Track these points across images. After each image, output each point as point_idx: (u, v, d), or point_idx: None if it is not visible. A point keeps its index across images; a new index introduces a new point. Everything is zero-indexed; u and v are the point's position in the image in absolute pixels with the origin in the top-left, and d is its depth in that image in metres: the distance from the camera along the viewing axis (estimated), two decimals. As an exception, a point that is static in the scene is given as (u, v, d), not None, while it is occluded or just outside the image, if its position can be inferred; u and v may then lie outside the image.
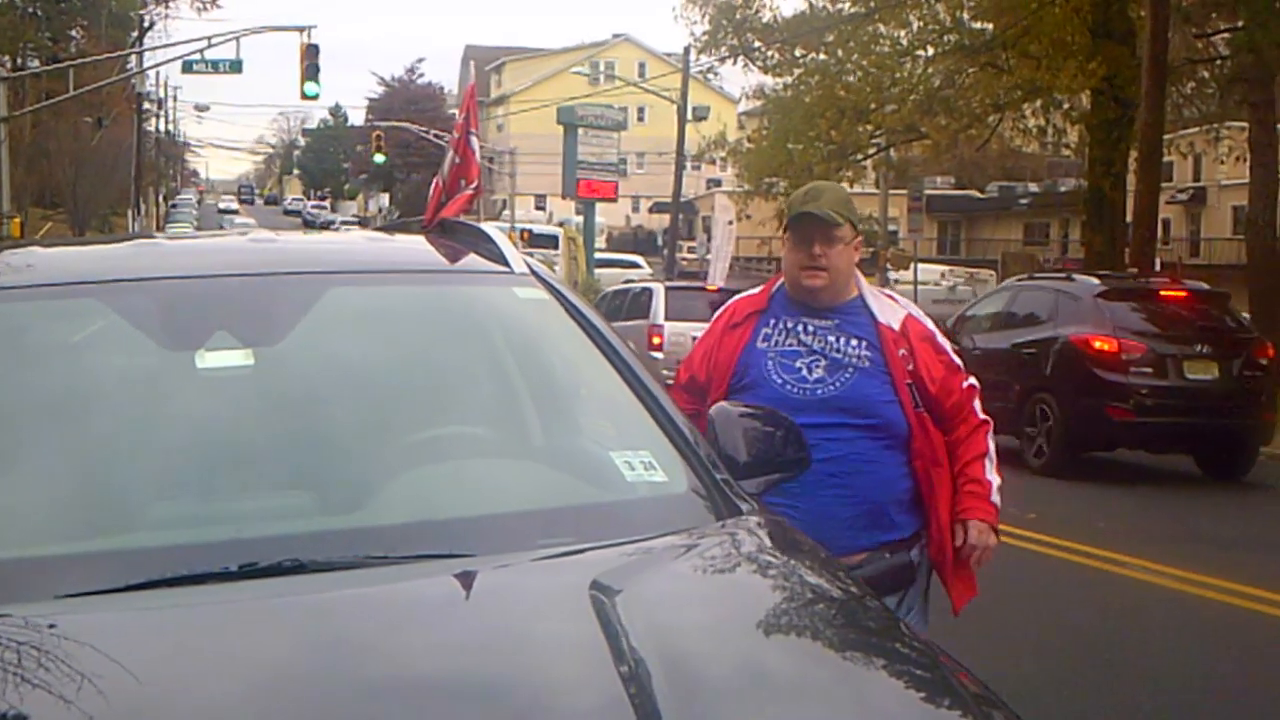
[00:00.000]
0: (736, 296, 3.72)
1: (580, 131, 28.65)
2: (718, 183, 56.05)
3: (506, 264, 2.92)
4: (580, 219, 36.16)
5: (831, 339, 3.44)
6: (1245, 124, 26.89)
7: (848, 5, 25.27)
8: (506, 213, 48.35)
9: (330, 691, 1.76)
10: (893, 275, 31.00)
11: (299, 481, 2.39)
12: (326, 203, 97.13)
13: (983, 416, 3.58)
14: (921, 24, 24.70)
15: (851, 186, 27.85)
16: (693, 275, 38.96)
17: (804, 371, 3.40)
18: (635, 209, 70.45)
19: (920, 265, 31.48)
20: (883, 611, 2.33)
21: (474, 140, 3.69)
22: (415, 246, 3.15)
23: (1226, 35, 26.49)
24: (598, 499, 2.46)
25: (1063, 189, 53.00)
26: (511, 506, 2.39)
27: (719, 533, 2.33)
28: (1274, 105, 25.41)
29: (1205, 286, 13.87)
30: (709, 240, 29.47)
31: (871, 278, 33.92)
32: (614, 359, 2.75)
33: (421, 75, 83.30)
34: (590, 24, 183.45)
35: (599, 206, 35.45)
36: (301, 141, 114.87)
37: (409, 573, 2.11)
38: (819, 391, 3.38)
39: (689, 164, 37.33)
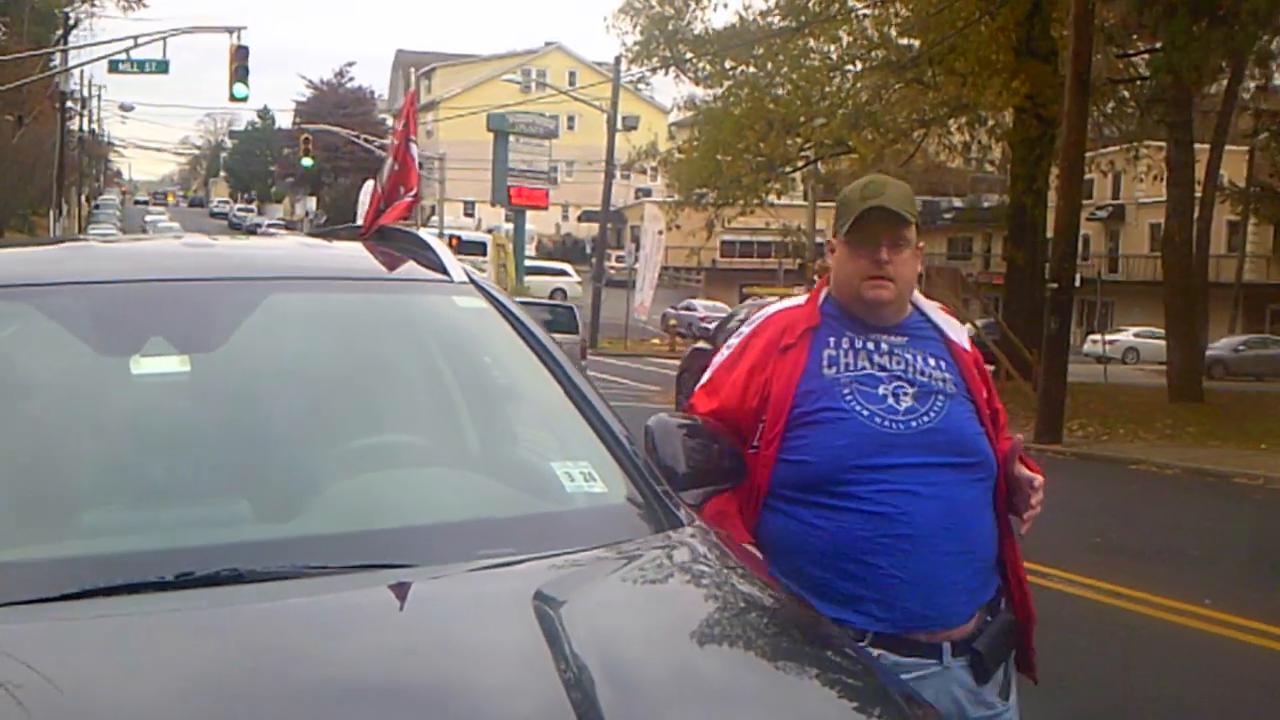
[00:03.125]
0: (772, 308, 3.06)
1: (511, 139, 28.62)
2: (647, 192, 56.25)
3: (446, 272, 2.92)
4: (509, 226, 36.09)
5: (909, 358, 2.86)
6: (1163, 143, 27.53)
7: (778, 19, 25.49)
8: (435, 219, 48.10)
9: (265, 701, 1.75)
10: (820, 287, 31.19)
11: (236, 489, 2.37)
12: (253, 205, 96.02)
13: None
14: (850, 39, 24.99)
15: (779, 199, 28.11)
16: (621, 284, 39.06)
17: (891, 400, 2.80)
18: (565, 217, 70.41)
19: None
20: (815, 618, 2.37)
21: (414, 147, 3.67)
22: (354, 253, 3.13)
23: (1146, 56, 27.11)
24: (537, 509, 2.46)
25: (985, 204, 53.85)
26: (451, 516, 2.39)
27: (658, 544, 2.34)
28: (1191, 126, 26.03)
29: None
30: (638, 249, 29.58)
31: (795, 289, 34.29)
32: (554, 369, 2.75)
33: (351, 79, 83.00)
34: (522, 32, 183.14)
35: (529, 214, 35.43)
36: (228, 143, 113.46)
37: (349, 583, 2.09)
38: (914, 424, 2.78)
39: (619, 173, 37.41)
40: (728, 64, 25.65)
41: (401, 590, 2.09)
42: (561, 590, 2.11)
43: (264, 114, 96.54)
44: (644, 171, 30.25)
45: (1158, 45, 24.31)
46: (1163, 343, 39.65)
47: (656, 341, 37.71)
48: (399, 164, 3.66)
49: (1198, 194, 26.87)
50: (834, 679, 2.11)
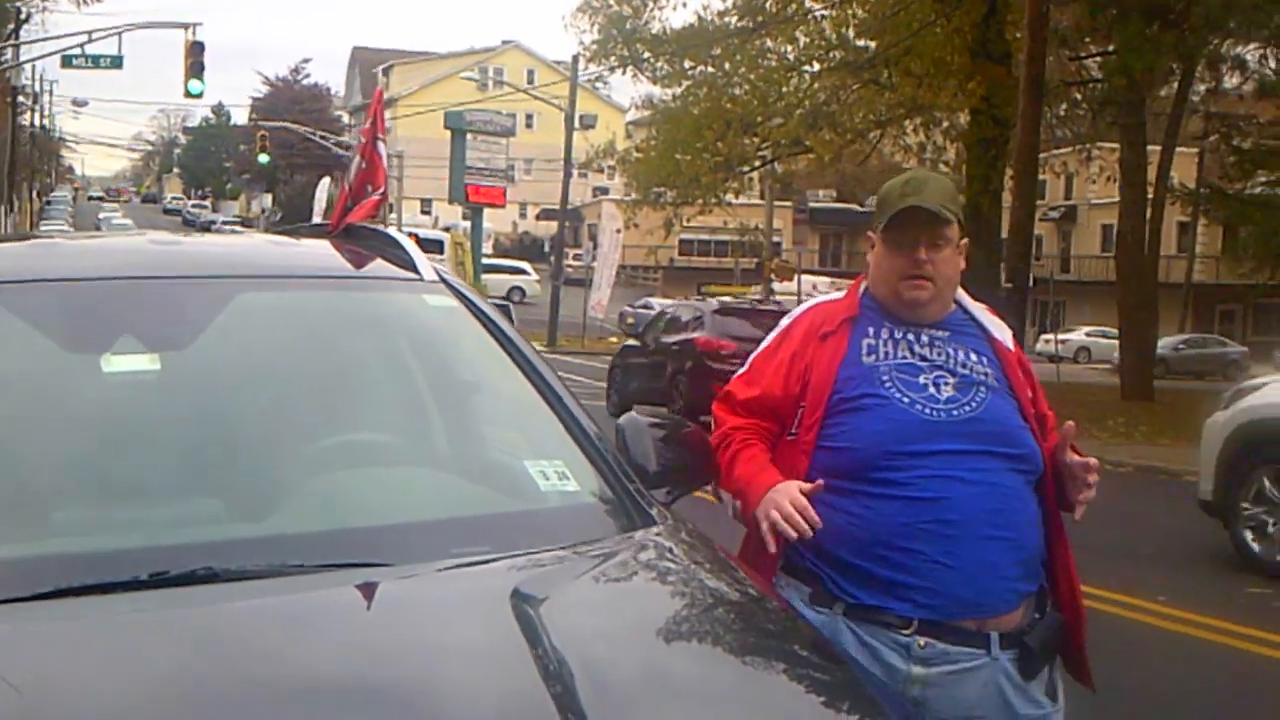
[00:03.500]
0: (813, 301, 3.08)
1: (469, 137, 28.52)
2: (605, 191, 56.24)
3: (416, 271, 2.92)
4: (467, 224, 36.01)
5: (950, 350, 2.82)
6: (1116, 145, 27.85)
7: (736, 19, 25.52)
8: (393, 216, 47.91)
9: (238, 700, 1.75)
10: (776, 286, 31.39)
11: (209, 488, 2.36)
12: (207, 202, 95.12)
13: None
14: (808, 40, 25.05)
15: (737, 198, 28.20)
16: (579, 283, 39.03)
17: (931, 389, 2.75)
18: (523, 215, 70.36)
19: (803, 276, 31.96)
20: (786, 614, 2.39)
21: (381, 146, 3.67)
22: (323, 251, 3.12)
23: (1099, 59, 27.42)
24: (512, 508, 2.47)
25: (941, 204, 54.10)
26: (426, 515, 2.39)
27: (632, 542, 2.36)
28: (1144, 128, 26.35)
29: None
30: (595, 248, 29.58)
31: (753, 287, 34.42)
32: (526, 368, 2.76)
33: (307, 76, 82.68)
34: (480, 30, 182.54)
35: (486, 212, 35.37)
36: (182, 140, 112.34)
37: (325, 581, 2.10)
38: (955, 413, 2.73)
39: (577, 172, 37.40)
40: (686, 64, 25.67)
41: (377, 589, 2.09)
42: (537, 588, 2.12)
43: (219, 110, 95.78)
44: (601, 170, 30.26)
45: (1110, 48, 24.61)
46: (1113, 342, 40.14)
47: (614, 340, 37.64)
48: (366, 162, 3.65)
49: (1150, 195, 27.19)
50: (805, 673, 2.14)
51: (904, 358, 2.80)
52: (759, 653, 2.15)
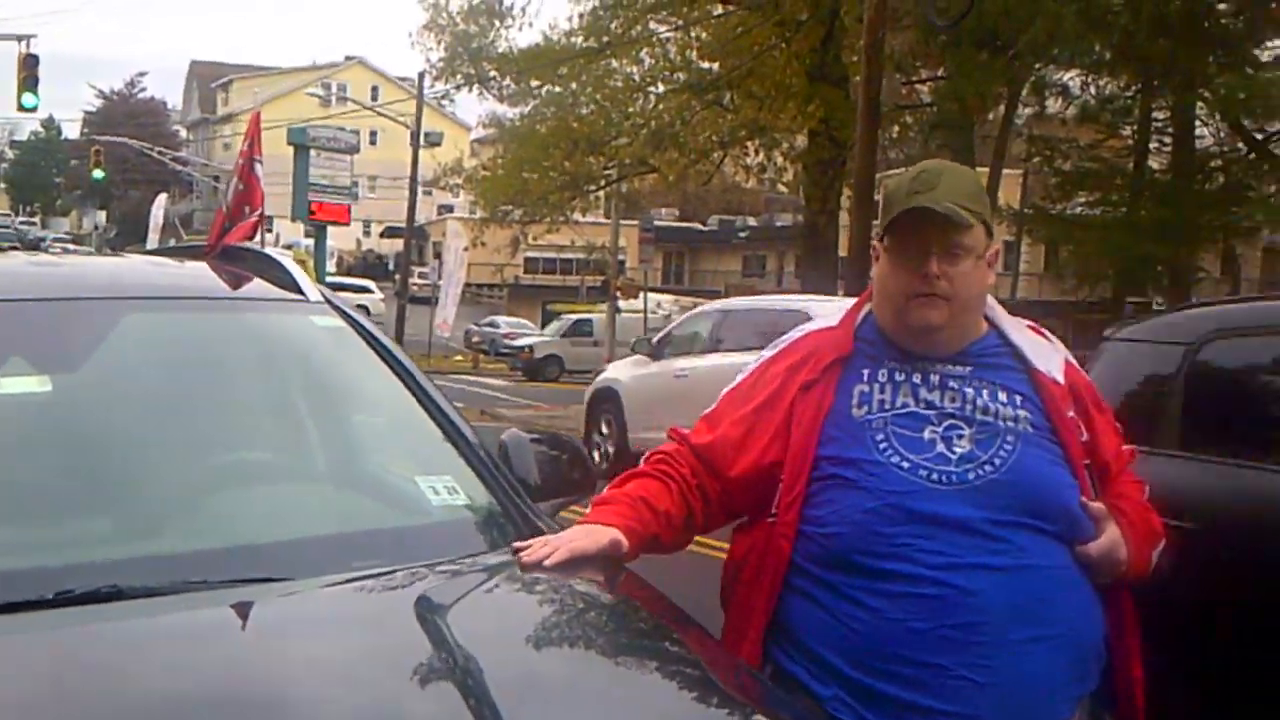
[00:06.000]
0: (802, 329, 2.46)
1: (312, 153, 28.00)
2: (450, 208, 55.87)
3: (301, 292, 2.98)
4: (310, 242, 35.38)
5: (970, 392, 2.24)
6: (946, 167, 28.81)
7: (582, 40, 25.77)
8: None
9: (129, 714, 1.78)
10: (622, 304, 31.68)
11: (107, 508, 2.38)
12: (36, 219, 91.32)
13: (1138, 478, 2.45)
14: (653, 61, 25.46)
15: (585, 216, 28.42)
16: (425, 301, 38.73)
17: (940, 446, 2.18)
18: (367, 233, 69.42)
19: (649, 294, 32.31)
20: (674, 617, 2.46)
21: (259, 167, 3.74)
22: (207, 273, 3.15)
23: (930, 84, 28.47)
24: (406, 523, 2.54)
25: (779, 224, 55.49)
26: (323, 530, 2.45)
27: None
28: (973, 150, 27.44)
29: None
30: (441, 266, 29.44)
31: (599, 305, 34.60)
32: (413, 387, 2.84)
33: (143, 90, 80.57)
34: (323, 45, 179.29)
35: (330, 230, 34.87)
36: (9, 154, 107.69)
37: (230, 597, 2.14)
38: (971, 476, 2.15)
39: (422, 189, 37.17)
40: (533, 82, 25.83)
41: (289, 602, 2.15)
42: (434, 599, 2.21)
43: (49, 124, 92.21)
44: (446, 188, 30.17)
45: (942, 74, 25.58)
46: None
47: (460, 358, 37.50)
48: (244, 184, 3.72)
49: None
50: (677, 670, 2.21)
51: (905, 406, 2.23)
52: (634, 653, 2.21)
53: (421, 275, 45.45)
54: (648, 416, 13.41)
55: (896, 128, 30.87)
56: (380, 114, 42.21)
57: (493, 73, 26.42)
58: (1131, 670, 2.33)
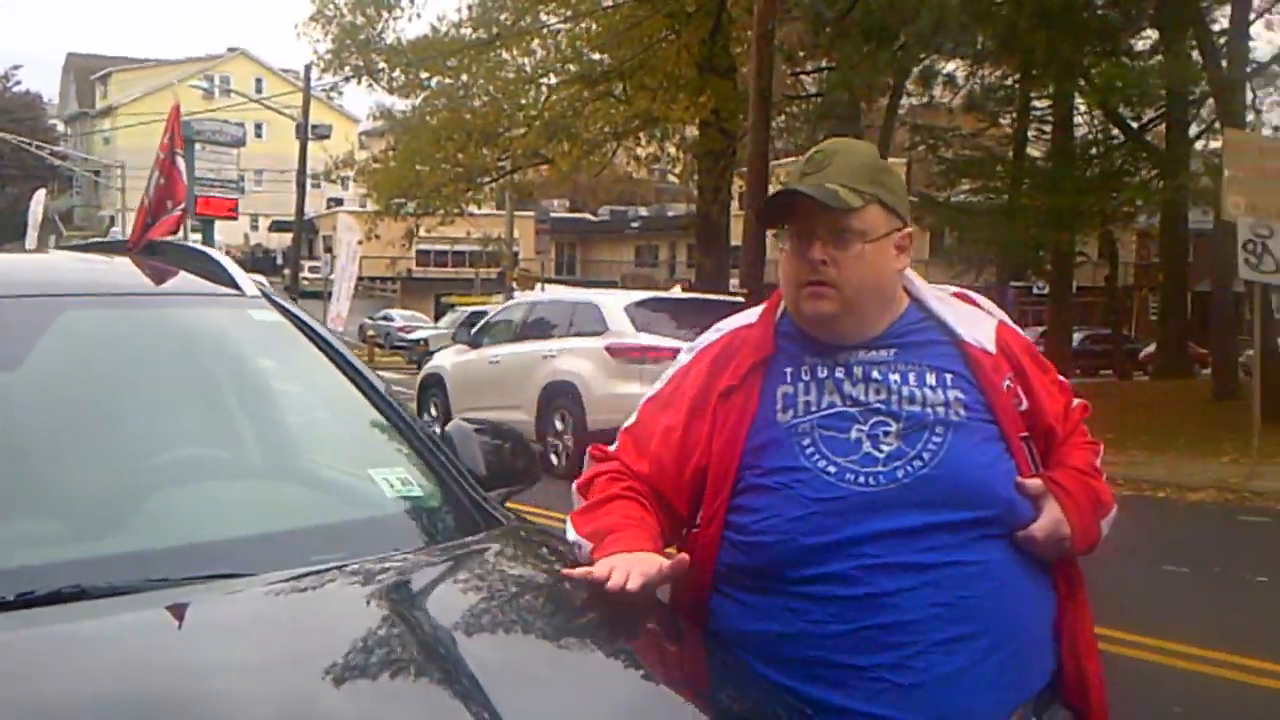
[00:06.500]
0: (718, 331, 2.33)
1: (197, 146, 27.51)
2: (339, 202, 55.19)
3: (237, 287, 2.95)
4: (197, 237, 34.70)
5: (894, 380, 2.13)
6: (835, 156, 29.23)
7: (471, 31, 25.63)
8: (115, 229, 45.66)
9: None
10: (518, 295, 31.60)
11: (60, 509, 2.34)
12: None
13: (1092, 439, 2.33)
14: (545, 53, 25.43)
15: (480, 209, 28.29)
16: (316, 295, 38.18)
17: (867, 446, 2.10)
18: (254, 227, 68.19)
19: (545, 285, 32.24)
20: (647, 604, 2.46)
21: (179, 161, 3.68)
22: (140, 269, 3.10)
23: (816, 74, 28.87)
24: (362, 515, 2.54)
25: (670, 213, 55.76)
26: (280, 525, 2.44)
27: (486, 541, 2.46)
28: (861, 138, 27.82)
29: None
30: (334, 259, 29.08)
31: (494, 297, 34.47)
32: (358, 380, 2.84)
33: (18, 83, 78.30)
34: (204, 37, 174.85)
35: (217, 224, 34.23)
36: None
37: (195, 593, 2.12)
38: (900, 474, 2.08)
39: (310, 182, 36.65)
40: (423, 74, 25.62)
41: (261, 595, 2.14)
42: (403, 589, 2.23)
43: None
44: (335, 181, 29.78)
45: (826, 64, 25.96)
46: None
47: (355, 353, 37.06)
48: (165, 178, 3.65)
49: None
50: (656, 650, 2.25)
51: (832, 405, 2.13)
52: (610, 640, 2.18)
53: (312, 269, 44.83)
54: (468, 398, 14.85)
55: (783, 117, 31.28)
56: (267, 106, 41.52)
57: (381, 64, 26.14)
58: (1083, 661, 2.21)
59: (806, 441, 2.12)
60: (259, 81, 66.94)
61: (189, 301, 2.93)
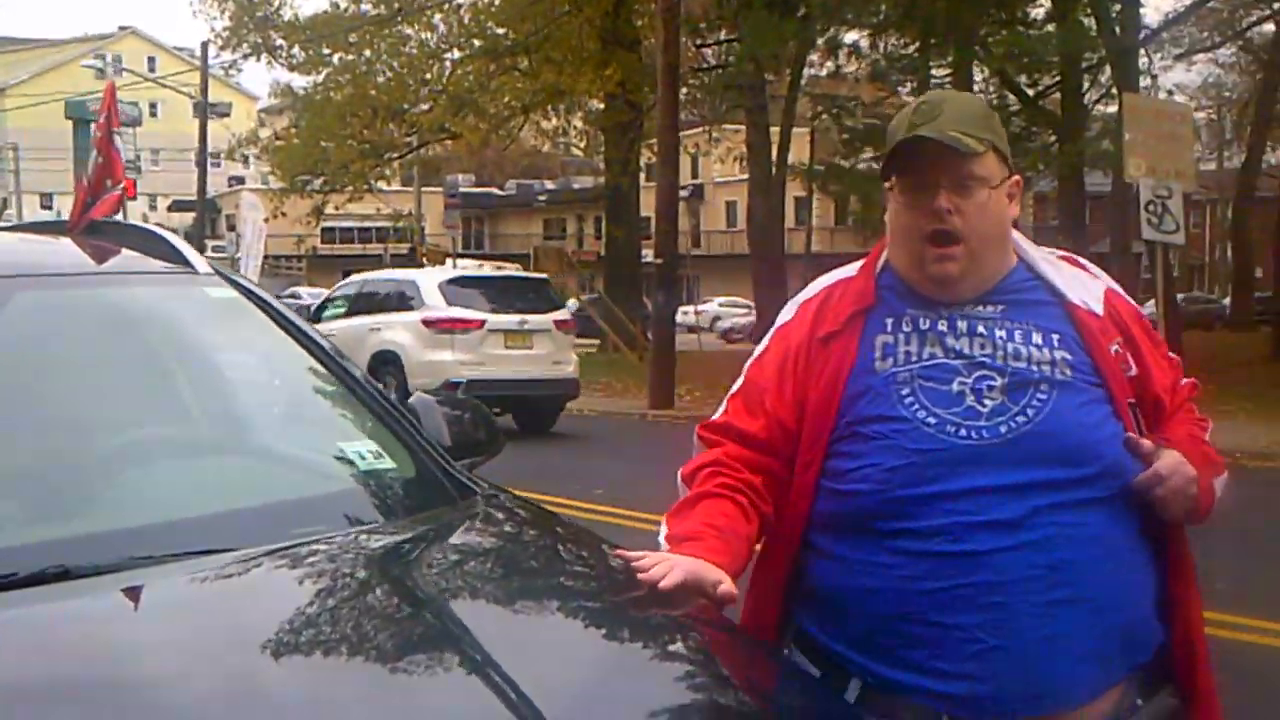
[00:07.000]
0: (817, 285, 2.28)
1: (92, 126, 26.83)
2: (241, 180, 54.16)
3: (189, 264, 2.92)
4: (94, 220, 34.03)
5: (1000, 336, 2.09)
6: (740, 126, 29.48)
7: (372, 6, 25.33)
8: (10, 212, 44.37)
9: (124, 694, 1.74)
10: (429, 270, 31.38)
11: (31, 487, 2.32)
12: None
13: (1201, 415, 2.28)
14: (447, 28, 25.21)
15: (389, 185, 28.02)
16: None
17: (970, 399, 2.05)
18: (153, 207, 66.72)
19: (456, 259, 32.03)
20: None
21: (118, 139, 3.62)
22: (87, 249, 3.06)
23: (715, 47, 29.01)
24: (338, 488, 2.53)
25: (577, 186, 55.74)
26: (258, 500, 2.43)
27: (466, 509, 2.48)
28: (766, 110, 28.07)
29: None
30: (239, 239, 28.63)
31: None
32: (320, 354, 2.83)
33: (-111, 65, 75.05)
34: (93, 16, 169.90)
35: (113, 206, 33.48)
36: None
37: (186, 569, 2.10)
38: (1003, 429, 2.02)
39: (210, 161, 35.97)
40: (325, 50, 25.26)
41: (249, 568, 2.14)
42: (394, 560, 2.24)
43: None
44: (239, 159, 29.28)
45: (728, 36, 26.08)
46: (741, 311, 42.31)
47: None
48: (103, 157, 3.59)
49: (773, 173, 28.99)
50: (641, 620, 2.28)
51: (933, 356, 2.09)
52: (602, 603, 2.20)
53: (216, 249, 44.06)
54: None
55: (685, 89, 31.40)
56: (164, 85, 40.60)
57: (280, 41, 25.72)
58: (1194, 637, 2.15)
59: (906, 391, 2.07)
60: (152, 60, 65.42)
61: (144, 280, 2.89)
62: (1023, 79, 24.07)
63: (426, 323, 15.12)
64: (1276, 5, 29.04)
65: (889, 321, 2.14)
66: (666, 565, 1.99)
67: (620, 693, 1.86)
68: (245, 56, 26.61)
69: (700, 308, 46.52)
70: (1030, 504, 1.98)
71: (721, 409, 2.27)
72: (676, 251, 19.48)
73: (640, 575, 2.01)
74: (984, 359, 2.07)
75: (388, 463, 2.61)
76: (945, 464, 2.01)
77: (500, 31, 25.34)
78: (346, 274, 48.28)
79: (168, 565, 2.13)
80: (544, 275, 18.77)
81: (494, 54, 24.67)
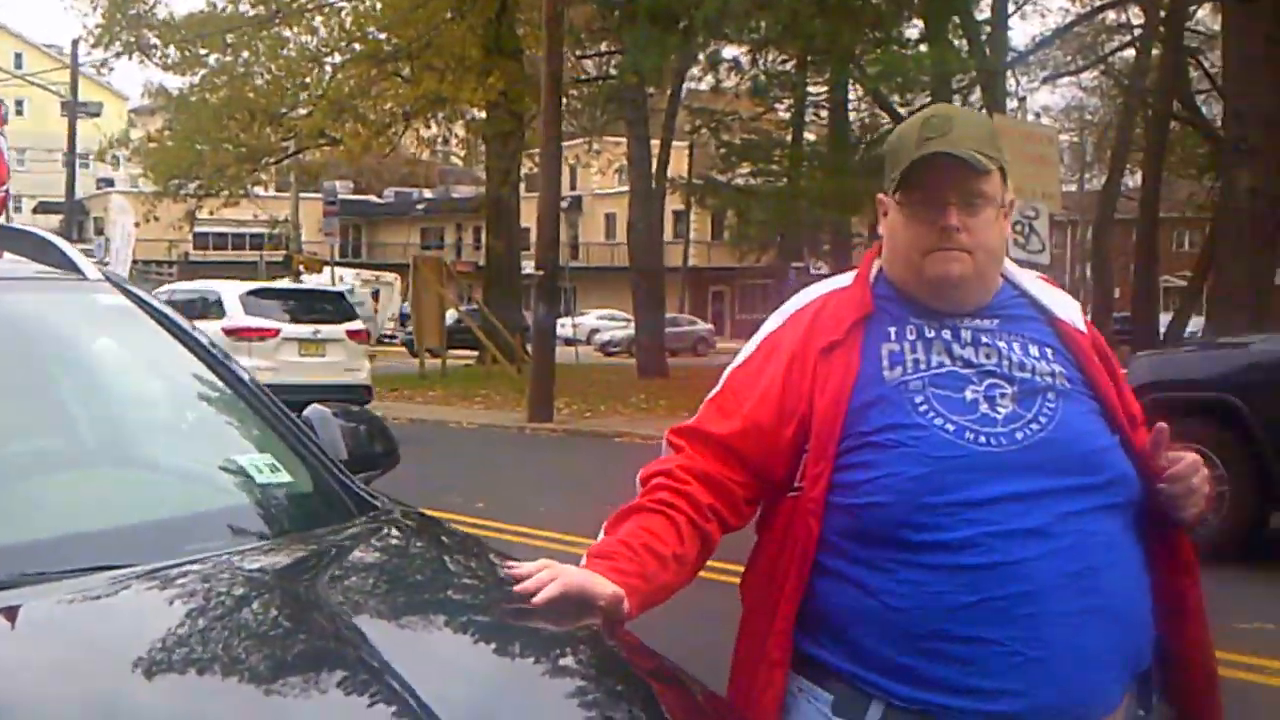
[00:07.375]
0: (808, 295, 2.25)
1: (-39, 125, 25.90)
2: (110, 182, 52.68)
3: (78, 270, 2.85)
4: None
5: (1003, 347, 2.10)
6: (620, 139, 29.64)
7: (250, 7, 24.86)
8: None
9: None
10: (306, 279, 30.88)
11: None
12: None
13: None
14: (328, 31, 24.87)
15: (267, 190, 27.50)
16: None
17: (984, 407, 2.03)
18: (18, 209, 64.42)
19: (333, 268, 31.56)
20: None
21: (3, 140, 3.53)
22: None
23: (596, 58, 29.14)
24: (234, 502, 2.49)
25: (456, 195, 55.37)
26: (151, 515, 2.38)
27: (368, 524, 2.46)
28: (646, 122, 28.27)
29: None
30: (108, 243, 27.86)
31: (280, 280, 33.59)
32: (215, 365, 2.78)
33: None
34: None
35: (-28, 207, 32.32)
36: None
37: (82, 585, 2.04)
38: (1019, 436, 2.01)
39: (79, 162, 34.92)
40: (201, 51, 24.70)
41: (152, 583, 2.09)
42: (292, 576, 2.20)
43: None
44: (109, 161, 28.47)
45: (609, 48, 26.20)
46: (620, 324, 42.46)
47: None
48: (-18, 158, 3.50)
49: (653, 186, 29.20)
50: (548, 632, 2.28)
51: (942, 364, 2.07)
52: (500, 618, 2.15)
53: (84, 253, 42.76)
54: None
55: (565, 100, 31.46)
56: (32, 83, 39.32)
57: (154, 40, 25.10)
58: (1201, 639, 2.18)
59: (919, 399, 2.03)
60: (18, 56, 63.33)
61: (28, 286, 2.80)
62: (895, 98, 24.59)
63: (227, 331, 15.81)
64: (1138, 32, 30.19)
65: (892, 330, 2.11)
66: (548, 576, 1.97)
67: (519, 704, 1.85)
68: (118, 55, 25.85)
69: (578, 320, 46.55)
70: (1053, 511, 1.96)
71: (698, 414, 2.21)
72: (558, 263, 19.47)
73: (517, 588, 1.98)
74: (992, 367, 2.07)
75: (285, 476, 2.57)
76: (965, 470, 1.97)
77: (382, 37, 25.07)
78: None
79: (61, 582, 2.07)
80: (340, 290, 20.36)
81: (375, 59, 24.38)
